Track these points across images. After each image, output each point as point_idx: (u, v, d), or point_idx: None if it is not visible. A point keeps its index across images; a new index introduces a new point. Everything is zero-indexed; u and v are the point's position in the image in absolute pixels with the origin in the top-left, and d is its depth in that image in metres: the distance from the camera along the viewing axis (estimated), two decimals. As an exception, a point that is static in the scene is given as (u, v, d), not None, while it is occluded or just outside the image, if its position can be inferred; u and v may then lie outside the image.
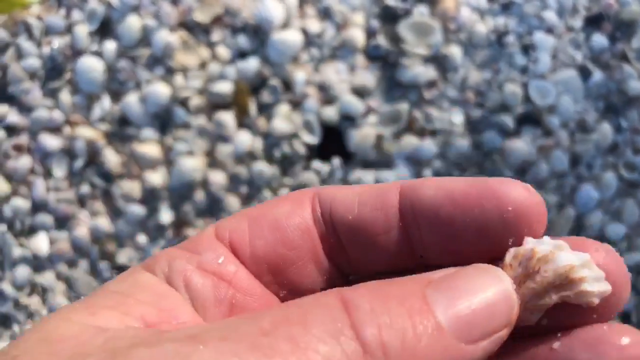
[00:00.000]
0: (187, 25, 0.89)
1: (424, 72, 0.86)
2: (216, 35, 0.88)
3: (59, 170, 0.89)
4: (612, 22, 0.86)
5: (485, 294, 0.23)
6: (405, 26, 0.86)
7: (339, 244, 0.28)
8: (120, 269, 0.90)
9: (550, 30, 0.86)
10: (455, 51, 0.87)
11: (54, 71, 0.88)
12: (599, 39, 0.86)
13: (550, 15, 0.85)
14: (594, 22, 0.86)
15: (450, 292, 0.23)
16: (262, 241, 0.27)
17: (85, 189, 0.89)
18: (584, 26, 0.87)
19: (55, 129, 0.89)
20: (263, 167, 0.87)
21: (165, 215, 0.88)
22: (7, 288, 0.88)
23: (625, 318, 0.87)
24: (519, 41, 0.86)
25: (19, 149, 0.89)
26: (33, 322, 0.90)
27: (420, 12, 0.87)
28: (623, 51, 0.85)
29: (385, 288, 0.23)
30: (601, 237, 0.87)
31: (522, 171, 0.87)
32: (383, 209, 0.27)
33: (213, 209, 0.90)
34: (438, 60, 0.88)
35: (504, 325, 0.23)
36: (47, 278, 0.90)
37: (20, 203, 0.89)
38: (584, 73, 0.86)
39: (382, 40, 0.87)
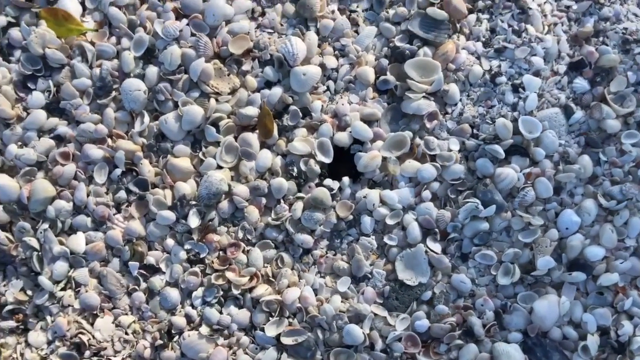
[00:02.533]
0: (221, 56, 1.01)
1: (426, 105, 0.98)
2: (246, 65, 1.01)
3: (100, 177, 1.00)
4: (593, 68, 0.98)
5: None
6: (411, 65, 0.98)
7: None
8: (148, 268, 0.99)
9: (537, 73, 0.97)
10: (454, 88, 0.98)
11: (102, 90, 1.00)
12: (581, 82, 0.98)
13: (538, 60, 0.97)
14: (576, 67, 0.98)
15: None
16: None
17: (121, 195, 1.00)
18: (567, 70, 0.98)
19: (99, 141, 1.00)
20: (281, 182, 0.98)
21: (194, 221, 0.98)
22: (45, 281, 0.97)
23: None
24: (510, 81, 0.98)
25: (65, 156, 1.00)
26: (65, 315, 0.99)
27: (425, 53, 0.99)
28: (602, 94, 0.97)
29: None
30: (582, 258, 0.96)
31: (510, 196, 0.97)
32: None
33: (235, 217, 1.00)
34: (439, 95, 0.99)
35: None
36: (81, 274, 0.99)
37: (63, 205, 0.99)
38: (567, 111, 0.97)
39: (390, 76, 0.99)
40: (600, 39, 0.98)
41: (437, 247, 0.97)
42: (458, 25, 1.00)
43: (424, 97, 0.98)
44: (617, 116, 0.96)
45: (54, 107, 1.01)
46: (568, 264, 0.97)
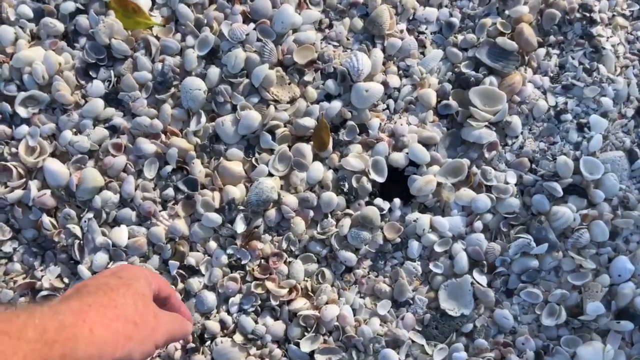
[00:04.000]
0: (285, 64, 1.00)
1: (487, 135, 0.96)
2: (308, 76, 1.00)
3: (149, 172, 0.99)
4: (661, 115, 0.96)
5: None
6: (476, 92, 0.97)
7: None
8: (187, 269, 0.98)
9: (605, 114, 0.96)
10: (516, 120, 0.97)
11: (161, 85, 1.00)
12: (647, 128, 0.96)
13: (607, 101, 0.95)
14: (644, 112, 0.96)
15: None
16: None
17: (169, 192, 0.99)
18: (635, 114, 0.97)
19: (153, 135, 0.99)
20: (331, 197, 0.97)
21: (240, 226, 0.97)
22: (84, 270, 0.97)
23: None
24: (576, 119, 0.96)
25: (118, 148, 0.99)
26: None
27: (491, 82, 0.97)
28: (668, 142, 0.94)
29: None
30: (631, 307, 0.93)
31: (564, 236, 0.95)
32: None
33: (281, 227, 0.99)
34: (500, 126, 0.98)
35: None
36: (120, 267, 0.98)
37: (110, 196, 0.98)
38: (631, 156, 0.95)
39: (452, 101, 0.98)
40: (671, 86, 0.96)
41: (483, 279, 0.95)
42: (527, 58, 0.98)
43: (485, 126, 0.96)
44: (682, 166, 0.94)
45: (112, 98, 1.01)
46: (617, 311, 0.94)
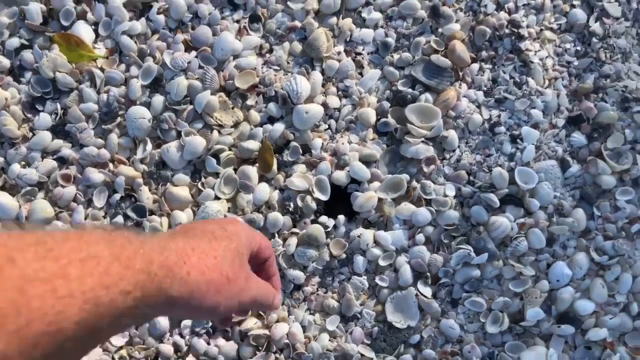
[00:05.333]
0: (227, 89, 1.03)
1: (425, 150, 0.99)
2: (251, 100, 1.02)
3: (99, 201, 1.01)
4: (591, 124, 0.99)
5: None
6: (412, 109, 1.00)
7: None
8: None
9: (536, 125, 0.99)
10: (453, 134, 1.00)
11: (107, 115, 1.02)
12: (579, 137, 0.99)
13: (537, 113, 0.99)
14: (574, 122, 1.00)
15: None
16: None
17: (119, 219, 1.01)
18: (565, 124, 1.00)
19: (101, 165, 1.01)
20: (277, 217, 0.99)
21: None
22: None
23: (588, 388, 0.95)
24: (509, 131, 0.99)
25: (67, 178, 1.01)
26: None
27: (426, 99, 1.00)
28: (599, 149, 0.98)
29: None
30: (571, 311, 0.96)
31: (503, 244, 0.98)
32: None
33: (229, 249, 1.01)
34: (437, 141, 1.01)
35: None
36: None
37: (60, 226, 1.00)
38: (564, 165, 0.98)
39: (390, 119, 1.01)
40: (600, 95, 1.00)
41: (427, 291, 0.98)
42: (461, 74, 1.02)
43: (422, 141, 0.99)
44: (613, 172, 0.97)
45: (59, 130, 1.03)
46: (557, 316, 0.97)
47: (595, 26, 1.01)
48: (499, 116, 1.00)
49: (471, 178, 0.99)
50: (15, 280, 0.34)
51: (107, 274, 0.40)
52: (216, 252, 0.55)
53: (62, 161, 1.02)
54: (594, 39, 1.00)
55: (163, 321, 0.99)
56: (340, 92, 1.03)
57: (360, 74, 1.04)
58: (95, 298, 0.38)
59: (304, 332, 0.98)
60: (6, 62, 1.03)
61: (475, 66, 1.02)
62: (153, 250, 0.46)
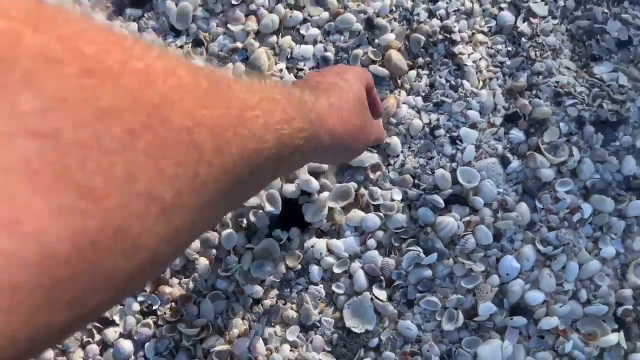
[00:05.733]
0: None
1: (369, 158, 1.02)
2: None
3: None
4: (527, 120, 1.03)
5: None
6: (354, 119, 1.02)
7: None
8: (102, 320, 1.02)
9: (474, 125, 1.02)
10: (395, 140, 1.03)
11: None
12: (517, 133, 1.03)
13: (474, 114, 1.02)
14: (511, 119, 1.03)
15: None
16: None
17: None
18: (503, 122, 1.03)
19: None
20: (231, 233, 1.01)
21: (144, 273, 1.01)
22: None
23: (544, 376, 0.97)
24: (448, 133, 1.03)
25: None
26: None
27: (367, 108, 1.03)
28: (537, 144, 1.01)
29: None
30: (522, 303, 0.99)
31: (452, 243, 1.00)
32: None
33: (187, 269, 1.03)
34: (382, 147, 1.04)
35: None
36: None
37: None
38: (504, 161, 1.02)
39: (336, 130, 1.04)
40: (534, 92, 1.04)
41: (382, 294, 1.00)
42: (399, 81, 1.05)
43: (367, 150, 1.02)
44: (551, 165, 1.00)
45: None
46: (510, 308, 1.00)
47: (524, 26, 1.05)
48: (438, 120, 1.03)
49: (416, 181, 1.02)
50: (236, 101, 0.39)
51: (285, 112, 0.46)
52: (348, 104, 0.65)
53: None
54: (523, 39, 1.04)
55: (126, 345, 1.00)
56: (284, 108, 1.06)
57: (303, 88, 1.07)
58: (281, 129, 0.44)
59: (265, 344, 1.00)
60: None
61: (413, 73, 1.05)
62: (310, 101, 0.56)
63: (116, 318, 1.02)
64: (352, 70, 0.71)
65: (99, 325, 1.01)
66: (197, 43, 1.08)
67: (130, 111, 0.28)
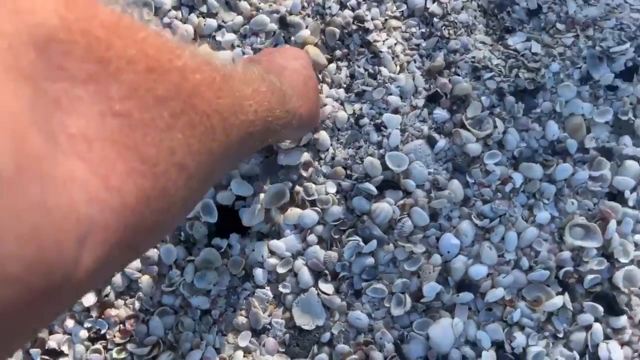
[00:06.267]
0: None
1: (301, 156, 1.02)
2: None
3: None
4: (449, 98, 1.04)
5: None
6: (279, 118, 1.03)
7: None
8: (51, 353, 1.00)
9: (396, 110, 1.03)
10: (324, 135, 1.03)
11: None
12: (440, 112, 1.04)
13: (394, 99, 1.03)
14: (433, 99, 1.04)
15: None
16: None
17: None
18: (426, 103, 1.04)
19: None
20: (170, 248, 1.01)
21: (89, 299, 1.00)
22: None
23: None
24: (372, 121, 1.03)
25: None
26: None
27: (291, 106, 1.03)
28: (461, 120, 1.03)
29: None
30: (467, 279, 1.00)
31: (390, 228, 1.01)
32: None
33: (131, 289, 1.02)
34: (312, 143, 1.04)
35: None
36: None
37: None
38: (431, 141, 1.03)
39: (264, 131, 1.04)
40: (452, 70, 1.05)
41: (329, 288, 1.00)
42: (320, 76, 1.06)
43: (297, 147, 1.03)
44: (477, 139, 1.02)
45: None
46: (455, 285, 1.01)
47: (434, 7, 1.06)
48: (361, 109, 1.04)
49: (348, 172, 1.03)
50: (237, 91, 0.50)
51: (270, 103, 0.58)
52: (308, 90, 0.83)
53: None
54: (435, 19, 1.06)
55: (78, 374, 0.99)
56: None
57: (227, 94, 1.07)
58: (266, 117, 0.56)
59: (218, 353, 1.00)
60: None
61: (333, 66, 1.06)
62: (288, 95, 0.69)
63: (65, 348, 1.00)
64: (294, 52, 0.95)
65: (47, 357, 1.00)
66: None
67: (174, 99, 0.37)
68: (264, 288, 1.02)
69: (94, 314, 1.01)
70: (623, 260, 0.99)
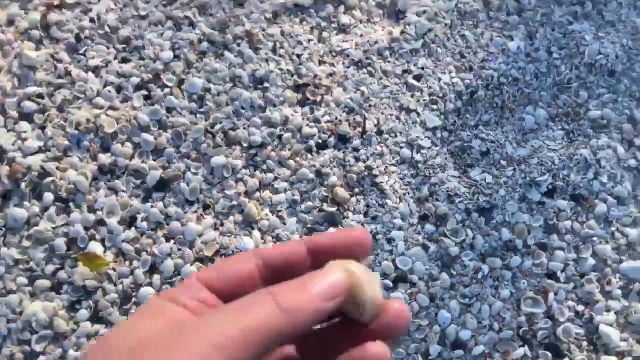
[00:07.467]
0: (200, 259, 1.54)
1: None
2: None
3: None
4: (434, 217, 1.55)
5: (333, 276, 0.45)
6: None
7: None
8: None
9: (400, 228, 1.54)
10: (352, 247, 1.53)
11: (125, 299, 1.50)
12: (429, 227, 1.54)
13: (397, 220, 1.54)
14: (424, 218, 1.55)
15: (316, 279, 0.45)
16: (223, 282, 0.49)
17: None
18: (419, 221, 1.55)
19: (128, 333, 1.48)
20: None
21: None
22: None
23: None
24: (384, 236, 1.53)
25: (107, 349, 1.47)
26: None
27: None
28: (443, 231, 1.53)
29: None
30: (458, 340, 1.46)
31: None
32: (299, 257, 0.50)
33: None
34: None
35: (342, 293, 0.45)
36: None
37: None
38: (425, 247, 1.52)
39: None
40: (434, 197, 1.56)
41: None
42: (346, 206, 1.57)
43: (334, 257, 1.52)
44: (455, 244, 1.51)
45: (95, 318, 1.50)
46: (451, 345, 1.47)
47: (417, 156, 1.59)
48: (376, 228, 1.54)
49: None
50: None
51: None
52: None
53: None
54: (420, 165, 1.58)
55: None
56: (274, 240, 1.56)
57: (284, 223, 1.58)
58: None
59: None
60: (48, 283, 1.52)
61: (354, 199, 1.57)
62: None
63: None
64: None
65: None
66: (206, 207, 1.59)
67: None
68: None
69: None
70: (561, 319, 1.46)
